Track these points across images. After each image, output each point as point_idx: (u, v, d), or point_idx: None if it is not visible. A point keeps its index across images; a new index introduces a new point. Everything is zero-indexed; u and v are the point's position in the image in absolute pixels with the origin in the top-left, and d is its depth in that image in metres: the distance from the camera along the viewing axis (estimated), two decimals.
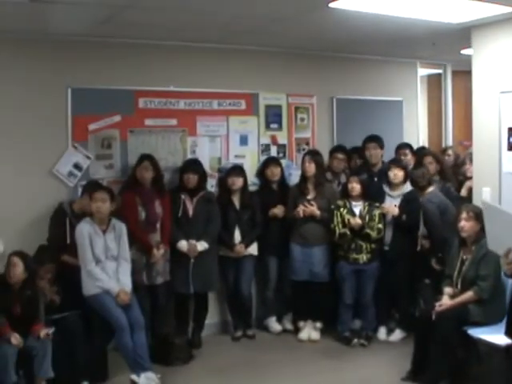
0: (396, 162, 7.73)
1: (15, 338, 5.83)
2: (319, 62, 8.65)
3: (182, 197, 7.44)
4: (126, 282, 6.48)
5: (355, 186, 7.48)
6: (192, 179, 7.43)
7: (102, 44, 7.32)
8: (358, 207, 7.50)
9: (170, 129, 7.83)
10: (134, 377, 6.28)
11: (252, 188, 8.07)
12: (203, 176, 7.62)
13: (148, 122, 7.71)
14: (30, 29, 6.70)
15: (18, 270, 6.06)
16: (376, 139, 8.19)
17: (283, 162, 8.29)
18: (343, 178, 8.20)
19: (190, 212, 7.45)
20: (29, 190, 6.95)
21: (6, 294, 5.99)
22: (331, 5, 6.00)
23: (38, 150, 7.04)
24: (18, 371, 5.90)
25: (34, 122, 7.04)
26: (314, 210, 7.56)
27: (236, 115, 8.24)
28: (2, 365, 5.76)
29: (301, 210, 7.54)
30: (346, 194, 7.62)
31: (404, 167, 7.60)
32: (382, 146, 8.18)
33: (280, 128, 8.53)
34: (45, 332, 5.98)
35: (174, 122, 7.86)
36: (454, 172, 8.15)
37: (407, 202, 7.45)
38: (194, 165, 7.57)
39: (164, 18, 6.51)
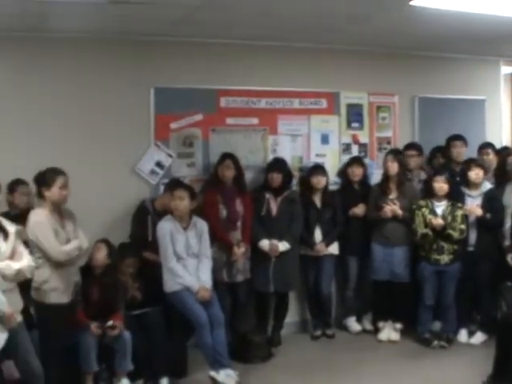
0: (476, 161, 7.56)
1: (95, 327, 5.98)
2: (401, 60, 8.50)
3: (267, 196, 7.41)
4: (207, 279, 6.47)
5: (443, 186, 7.31)
6: (276, 178, 7.40)
7: (184, 43, 7.37)
8: (440, 207, 7.34)
9: (251, 128, 7.83)
10: (213, 373, 6.28)
11: (333, 187, 8.00)
12: (288, 175, 7.58)
13: (229, 120, 7.73)
14: (111, 29, 6.78)
15: (102, 254, 6.23)
16: (462, 138, 8.09)
17: (365, 161, 8.20)
18: (422, 175, 8.07)
19: (274, 211, 7.42)
20: (112, 188, 7.07)
21: (88, 278, 6.09)
22: (412, 3, 5.92)
23: (122, 148, 7.15)
24: (100, 364, 6.05)
25: (118, 121, 7.18)
26: (397, 209, 7.46)
27: (317, 114, 8.18)
28: (85, 353, 5.93)
29: (388, 209, 7.45)
30: (428, 194, 7.47)
31: (483, 166, 7.45)
32: (466, 145, 8.06)
33: (361, 127, 8.43)
34: (110, 324, 6.08)
35: (255, 120, 7.86)
36: None
37: (489, 200, 7.29)
38: (278, 164, 7.54)
39: (244, 19, 6.52)
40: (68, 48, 6.96)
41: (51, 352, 5.43)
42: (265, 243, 7.31)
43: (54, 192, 5.53)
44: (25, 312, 5.14)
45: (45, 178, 5.58)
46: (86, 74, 7.05)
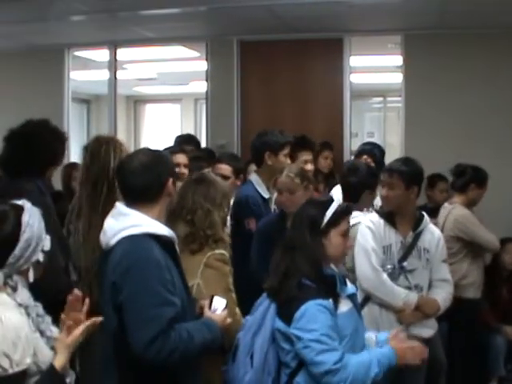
0: None
1: (506, 332, 5.76)
2: None
3: None
4: None
5: None
6: None
7: None
8: None
9: None
10: None
11: None
12: None
13: None
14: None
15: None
16: None
17: None
18: None
19: None
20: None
21: (495, 278, 5.92)
22: None
23: None
24: (506, 366, 5.82)
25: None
26: None
27: None
28: (494, 357, 5.71)
29: None
30: None
31: None
32: None
33: None
34: None
35: None
36: None
37: None
38: None
39: None
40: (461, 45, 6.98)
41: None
42: None
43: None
44: None
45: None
46: (461, 74, 7.01)
